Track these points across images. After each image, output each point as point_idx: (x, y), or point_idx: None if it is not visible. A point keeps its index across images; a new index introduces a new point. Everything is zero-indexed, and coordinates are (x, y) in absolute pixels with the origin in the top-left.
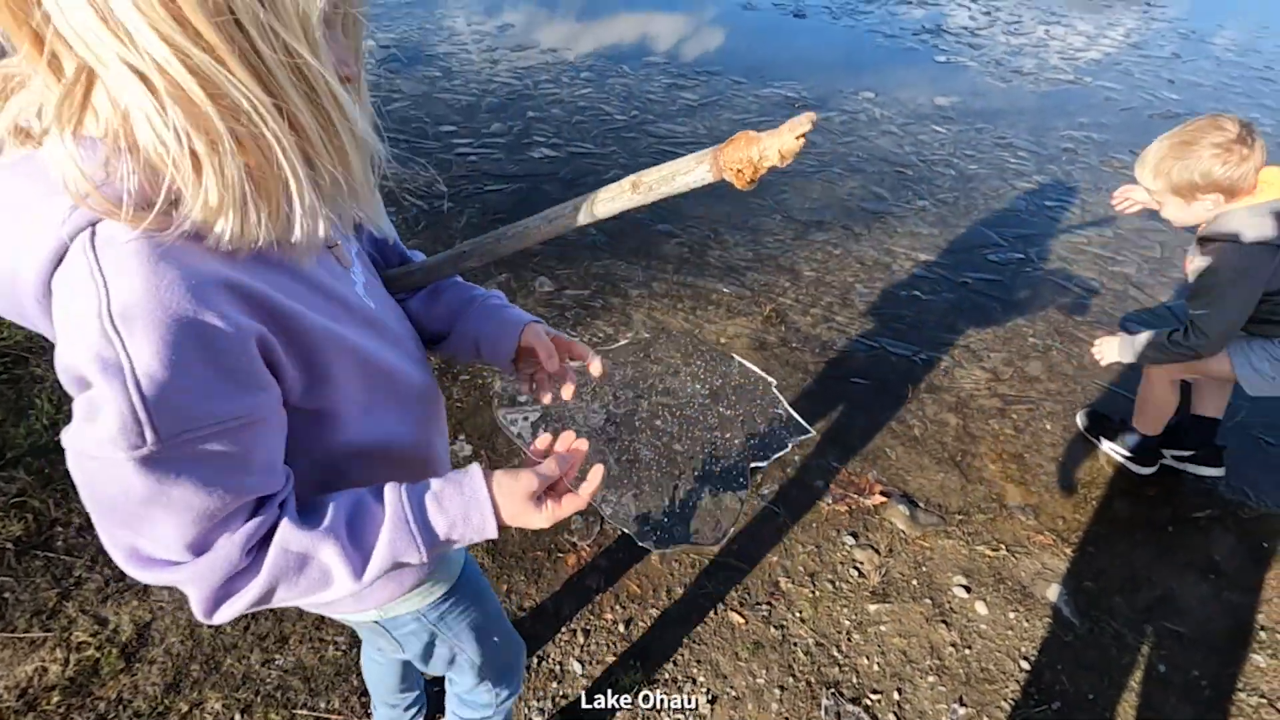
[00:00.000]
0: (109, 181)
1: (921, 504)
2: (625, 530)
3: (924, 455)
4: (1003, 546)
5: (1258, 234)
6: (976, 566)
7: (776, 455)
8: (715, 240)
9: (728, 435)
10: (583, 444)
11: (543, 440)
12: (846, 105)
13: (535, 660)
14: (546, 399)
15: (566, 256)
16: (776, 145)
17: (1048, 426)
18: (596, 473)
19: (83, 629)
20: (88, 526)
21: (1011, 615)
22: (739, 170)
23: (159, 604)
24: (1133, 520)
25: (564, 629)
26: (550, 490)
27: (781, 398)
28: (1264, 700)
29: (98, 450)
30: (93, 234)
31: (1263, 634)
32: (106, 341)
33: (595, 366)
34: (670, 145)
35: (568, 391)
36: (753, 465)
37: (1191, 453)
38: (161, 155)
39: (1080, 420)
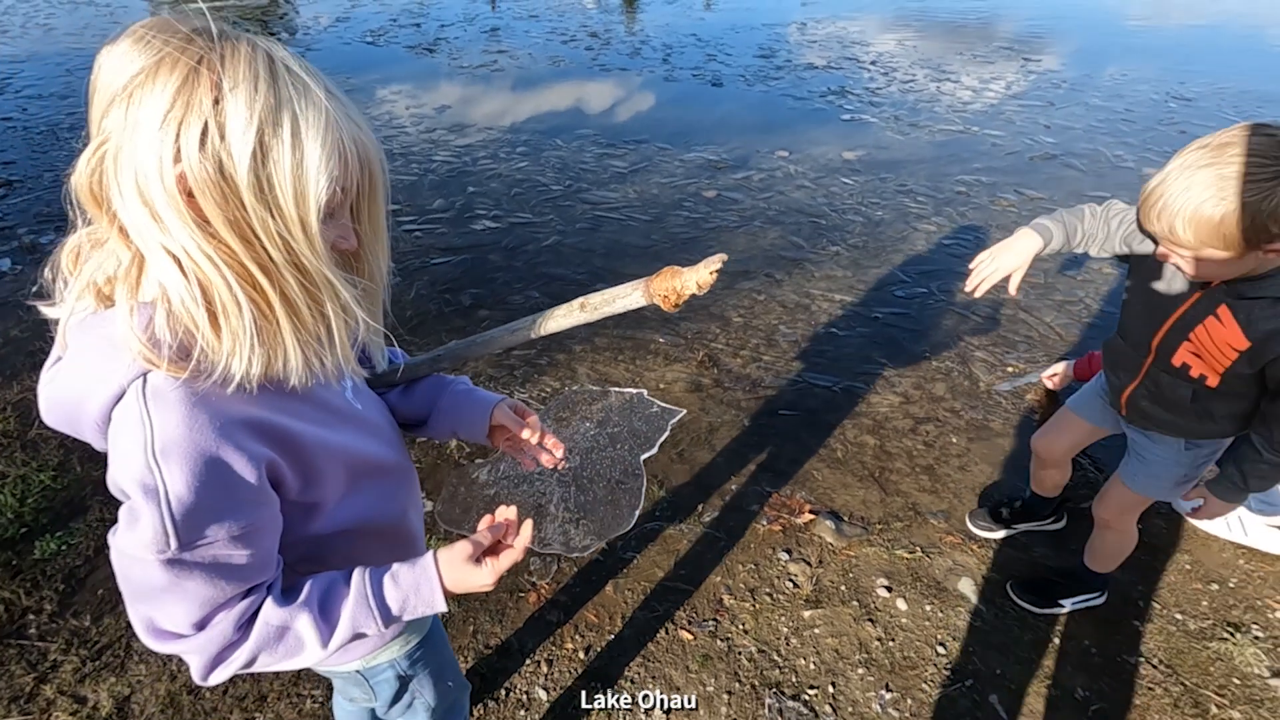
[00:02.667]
0: (155, 340)
1: (846, 518)
2: (556, 551)
3: (847, 474)
4: (918, 549)
5: None
6: (896, 569)
7: (660, 439)
8: None
9: (619, 447)
10: (511, 510)
11: (484, 521)
12: (764, 163)
13: (503, 692)
14: (530, 465)
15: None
16: (694, 278)
17: (953, 440)
18: (526, 526)
19: (63, 709)
20: (60, 613)
21: (928, 608)
22: (665, 296)
23: (137, 678)
24: None
25: (528, 661)
26: (490, 552)
27: (653, 399)
28: (1143, 659)
29: (134, 551)
30: (144, 383)
31: (1141, 603)
32: (149, 471)
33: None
34: (604, 211)
35: (558, 452)
36: (643, 457)
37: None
38: (189, 319)
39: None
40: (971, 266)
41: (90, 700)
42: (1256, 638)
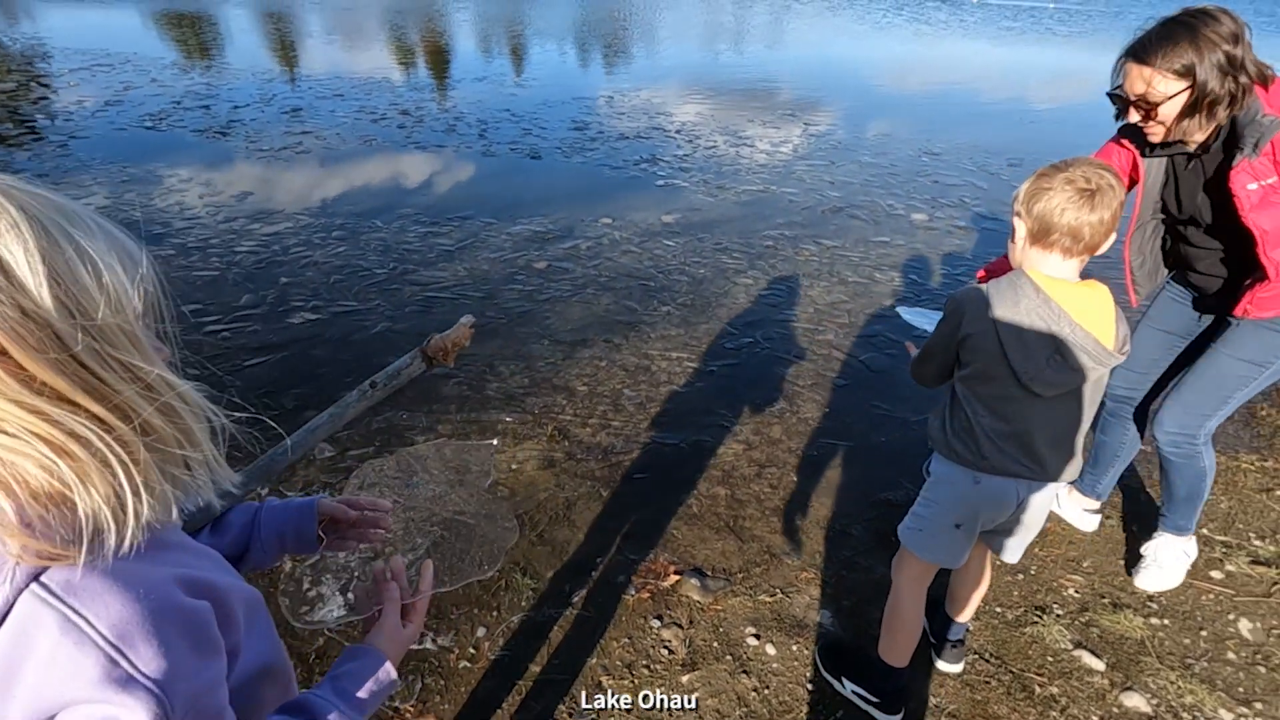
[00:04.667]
0: (34, 531)
1: (709, 572)
2: (455, 586)
3: (704, 528)
4: (778, 591)
5: (1002, 303)
6: (761, 614)
7: (491, 466)
8: (492, 374)
9: (457, 489)
10: (397, 563)
11: (362, 593)
12: (589, 232)
13: None
14: (372, 538)
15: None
16: (455, 336)
17: (794, 478)
18: (427, 568)
19: None
20: None
21: (794, 648)
22: (442, 354)
23: None
24: (869, 538)
25: None
26: (405, 610)
27: (458, 442)
28: (977, 655)
29: None
30: (42, 585)
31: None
32: (113, 664)
33: (384, 504)
34: (434, 291)
35: (385, 523)
36: (486, 484)
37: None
38: (55, 489)
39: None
40: None
41: None
42: (1059, 615)
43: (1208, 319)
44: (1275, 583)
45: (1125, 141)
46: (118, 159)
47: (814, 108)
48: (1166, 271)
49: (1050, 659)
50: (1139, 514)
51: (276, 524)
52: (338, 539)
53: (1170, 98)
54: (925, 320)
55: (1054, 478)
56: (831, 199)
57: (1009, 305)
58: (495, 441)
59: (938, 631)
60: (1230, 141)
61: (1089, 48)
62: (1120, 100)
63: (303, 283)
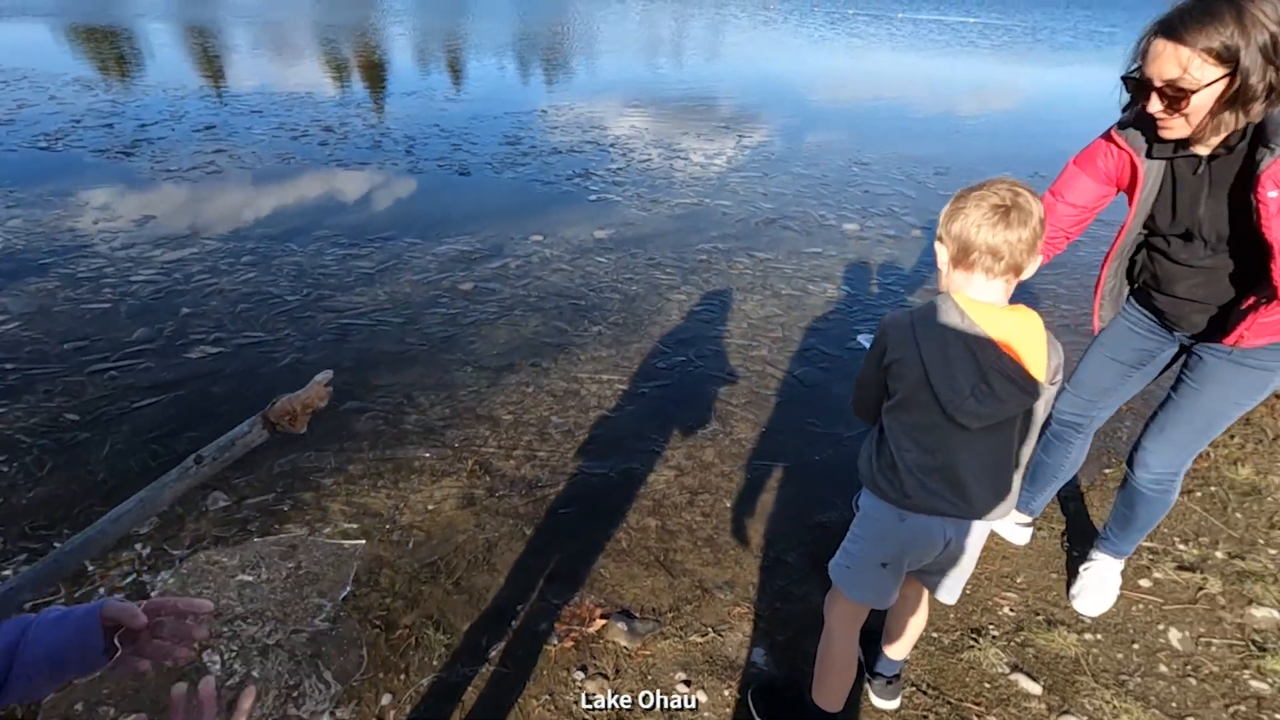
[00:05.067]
0: None
1: (638, 614)
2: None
3: (633, 564)
4: (710, 629)
5: (941, 317)
6: (692, 657)
7: (351, 572)
8: (410, 405)
9: (307, 590)
10: (206, 688)
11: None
12: (519, 250)
13: None
14: (185, 653)
15: (243, 462)
16: (306, 397)
17: (727, 504)
18: (245, 698)
19: None
20: None
21: (726, 693)
22: (289, 419)
23: None
24: (805, 565)
25: None
26: None
27: (323, 540)
28: (914, 686)
29: None
30: None
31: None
32: None
33: (204, 605)
34: (350, 318)
35: (197, 634)
36: (341, 595)
37: None
38: None
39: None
40: None
41: None
42: (994, 637)
43: (1162, 350)
44: (1200, 588)
45: (1121, 140)
46: (5, 182)
47: (748, 120)
48: (1128, 292)
49: (988, 685)
50: (1071, 524)
51: (49, 642)
52: (133, 653)
53: (1207, 85)
54: None
55: (980, 515)
56: (765, 211)
57: (934, 329)
58: (362, 542)
59: (874, 666)
60: (1256, 141)
61: (1010, 61)
62: (1140, 85)
63: (205, 313)
